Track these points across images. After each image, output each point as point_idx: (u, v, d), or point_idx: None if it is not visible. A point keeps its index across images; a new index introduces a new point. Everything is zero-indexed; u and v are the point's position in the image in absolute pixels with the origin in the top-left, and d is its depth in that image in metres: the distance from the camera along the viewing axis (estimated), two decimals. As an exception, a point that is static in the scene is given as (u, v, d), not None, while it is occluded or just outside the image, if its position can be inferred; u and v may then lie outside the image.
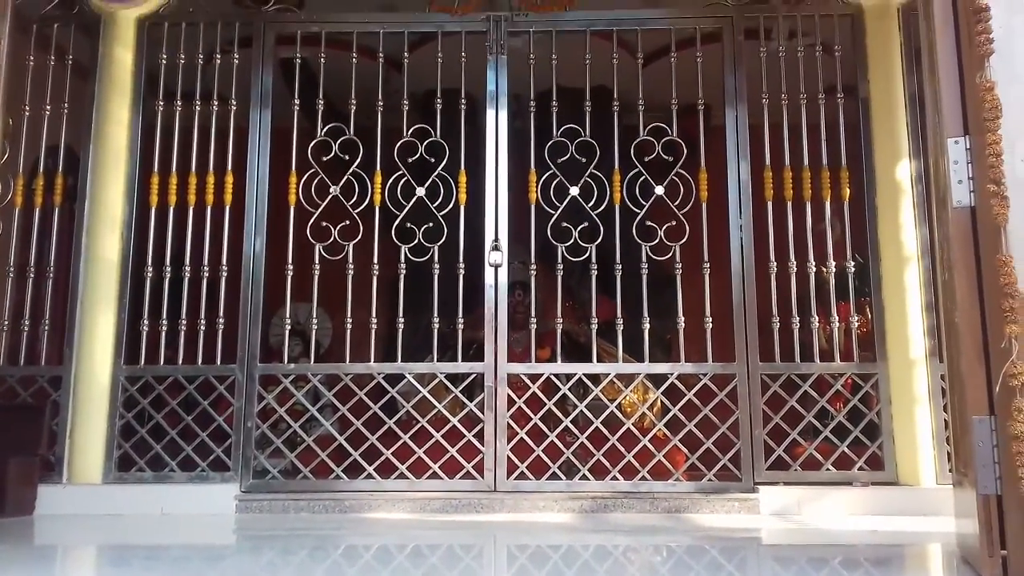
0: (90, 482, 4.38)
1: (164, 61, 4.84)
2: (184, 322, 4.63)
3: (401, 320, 4.59)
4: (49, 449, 4.37)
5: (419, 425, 4.54)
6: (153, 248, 4.69)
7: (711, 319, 4.56)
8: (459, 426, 4.48)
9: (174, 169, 4.75)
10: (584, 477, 4.40)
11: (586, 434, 4.46)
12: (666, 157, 4.71)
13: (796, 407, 4.42)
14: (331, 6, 5.02)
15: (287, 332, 4.68)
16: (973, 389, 2.58)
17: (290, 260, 4.69)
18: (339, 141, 4.76)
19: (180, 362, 4.60)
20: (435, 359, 4.65)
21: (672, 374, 4.53)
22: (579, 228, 4.67)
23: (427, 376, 4.65)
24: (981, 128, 2.60)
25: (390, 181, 4.73)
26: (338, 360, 4.72)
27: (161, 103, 4.82)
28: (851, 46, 4.72)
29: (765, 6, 4.82)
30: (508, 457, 4.39)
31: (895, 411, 4.38)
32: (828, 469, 4.37)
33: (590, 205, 4.69)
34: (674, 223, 4.64)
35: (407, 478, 4.41)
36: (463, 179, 4.72)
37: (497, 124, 4.72)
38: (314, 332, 4.74)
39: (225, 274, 4.67)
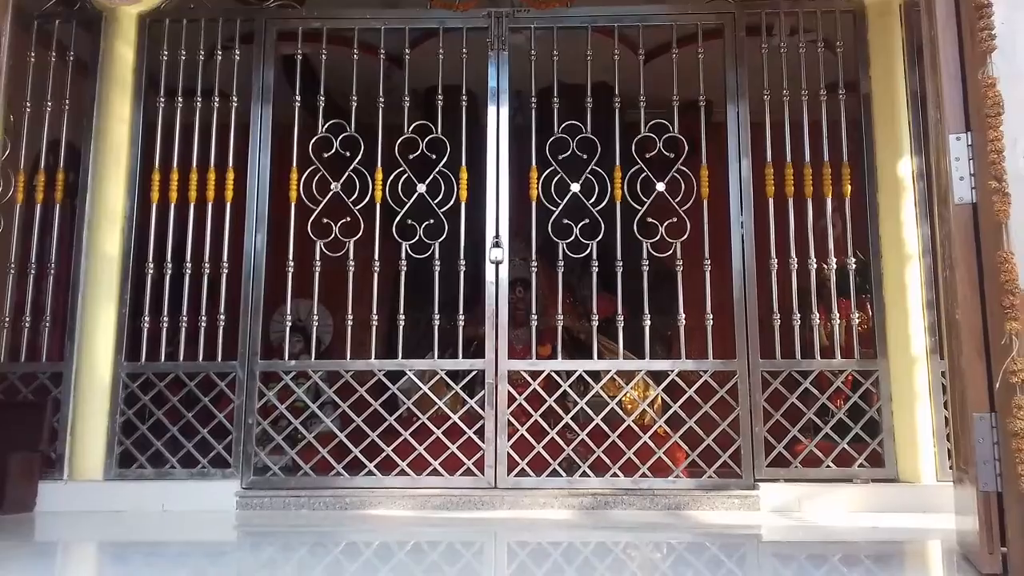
0: (91, 479, 4.38)
1: (165, 57, 4.84)
2: (185, 319, 4.63)
3: (402, 317, 4.59)
4: (50, 445, 4.37)
5: (420, 422, 4.54)
6: (154, 244, 4.69)
7: (712, 316, 4.55)
8: (460, 423, 4.48)
9: (175, 165, 4.75)
10: (584, 474, 4.40)
11: (586, 431, 4.46)
12: (667, 153, 4.71)
13: (797, 404, 4.42)
14: (332, 2, 5.03)
15: (288, 329, 4.69)
16: (974, 386, 2.58)
17: (291, 257, 4.70)
18: (340, 137, 4.76)
19: (181, 359, 4.61)
20: (436, 356, 4.66)
21: (673, 371, 4.53)
22: (580, 225, 4.67)
23: (428, 373, 4.65)
24: (983, 124, 2.60)
25: (391, 178, 4.73)
26: (339, 357, 4.72)
27: (162, 99, 4.82)
28: (853, 42, 4.71)
29: (767, 2, 4.80)
30: (509, 454, 4.39)
31: (896, 408, 4.37)
32: (828, 466, 4.37)
33: (591, 202, 4.69)
34: (675, 220, 4.63)
35: (408, 475, 4.41)
36: (464, 176, 4.71)
37: (498, 120, 4.72)
38: (315, 329, 4.74)
39: (226, 271, 4.67)
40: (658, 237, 4.64)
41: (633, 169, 4.70)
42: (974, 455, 2.55)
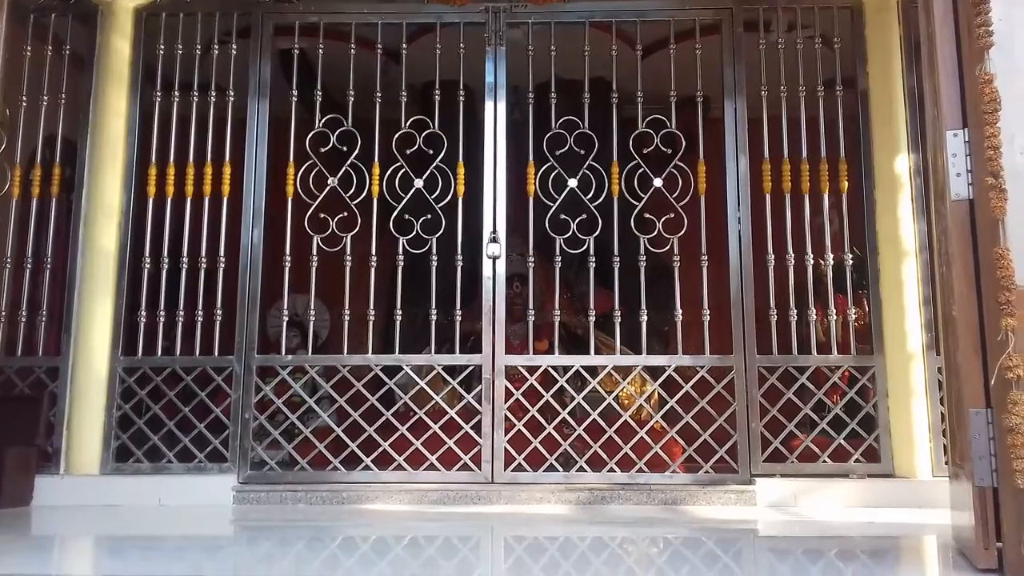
0: (87, 473, 4.38)
1: (162, 51, 4.83)
2: (182, 313, 4.62)
3: (399, 312, 4.59)
4: (46, 440, 4.37)
5: (417, 417, 4.55)
6: (151, 239, 4.68)
7: (709, 311, 4.56)
8: (457, 418, 4.48)
9: (172, 160, 4.74)
10: (581, 469, 4.41)
11: (583, 426, 4.47)
12: (665, 149, 4.71)
13: (793, 399, 4.43)
14: (329, -4, 5.01)
15: (285, 323, 4.68)
16: (970, 382, 2.58)
17: (288, 251, 4.69)
18: (337, 132, 4.76)
19: (178, 353, 4.60)
20: (433, 351, 4.66)
21: (670, 366, 4.54)
22: (577, 220, 4.67)
23: (425, 368, 4.66)
24: (980, 121, 2.60)
25: (388, 173, 4.73)
26: (336, 352, 4.72)
27: (159, 94, 4.81)
28: (850, 39, 4.71)
29: (764, -2, 4.81)
30: (505, 449, 4.40)
31: (892, 404, 4.39)
32: (825, 461, 4.38)
33: (588, 197, 4.69)
34: (672, 215, 4.64)
35: (405, 470, 4.41)
36: (461, 171, 4.71)
37: (495, 116, 4.71)
38: (312, 323, 4.73)
39: (223, 265, 4.67)
40: (655, 233, 4.64)
41: (630, 165, 4.70)
42: (970, 451, 2.55)
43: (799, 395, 4.44)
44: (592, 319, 4.64)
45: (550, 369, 4.60)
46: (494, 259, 4.56)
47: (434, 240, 4.67)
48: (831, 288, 4.60)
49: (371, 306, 4.61)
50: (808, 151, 4.63)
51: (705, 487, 4.31)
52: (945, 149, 2.71)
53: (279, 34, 4.89)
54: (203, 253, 4.66)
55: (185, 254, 4.67)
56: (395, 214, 4.75)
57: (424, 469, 4.41)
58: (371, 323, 4.61)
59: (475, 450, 4.40)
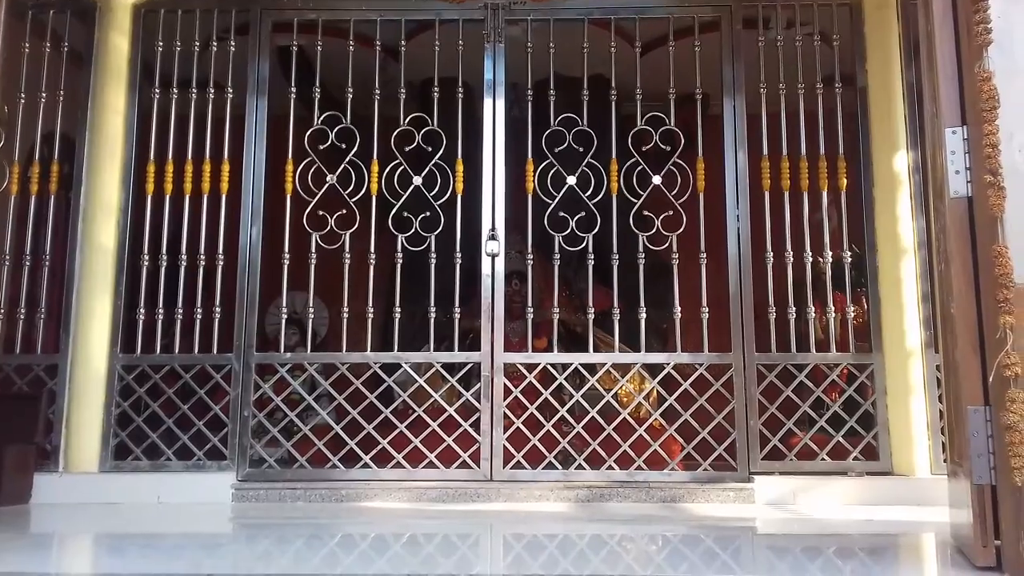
0: (86, 471, 4.38)
1: (160, 48, 4.82)
2: (180, 311, 4.62)
3: (398, 309, 4.59)
4: (45, 437, 4.37)
5: (416, 414, 4.55)
6: (149, 236, 4.68)
7: (708, 309, 4.56)
8: (455, 415, 4.49)
9: (170, 157, 4.74)
10: (580, 467, 4.41)
11: (582, 424, 4.47)
12: (664, 146, 4.70)
13: (792, 397, 4.43)
14: (328, -7, 5.00)
15: (284, 321, 4.68)
16: (968, 379, 2.58)
17: (287, 249, 4.69)
18: (336, 129, 4.75)
19: (176, 351, 4.60)
20: (432, 349, 4.66)
21: (668, 364, 4.54)
22: (576, 218, 4.67)
23: (424, 365, 4.66)
24: (979, 118, 2.60)
25: (387, 170, 4.72)
26: (335, 349, 4.71)
27: (157, 90, 4.81)
28: (849, 36, 4.71)
29: (763, -5, 4.80)
30: (504, 446, 4.40)
31: (890, 401, 4.39)
32: (823, 459, 4.38)
33: (587, 194, 4.68)
34: (671, 213, 4.63)
35: (403, 467, 4.42)
36: (460, 168, 4.71)
37: (494, 113, 4.71)
38: (311, 321, 4.73)
39: (221, 263, 4.66)
40: (654, 230, 4.64)
41: (629, 162, 4.70)
42: (968, 448, 2.55)
43: (798, 393, 4.44)
44: (591, 317, 4.64)
45: (549, 367, 4.60)
46: (493, 257, 4.56)
47: (433, 237, 4.66)
48: (830, 286, 4.60)
49: (370, 304, 4.61)
50: (807, 148, 4.63)
51: (704, 485, 4.31)
52: (944, 147, 2.70)
53: (278, 31, 4.88)
54: (202, 250, 4.65)
55: (184, 251, 4.67)
56: (394, 211, 4.74)
57: (423, 467, 4.41)
58: (370, 321, 4.61)
59: (474, 448, 4.41)
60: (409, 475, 4.40)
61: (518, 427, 4.44)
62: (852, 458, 4.37)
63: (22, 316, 4.59)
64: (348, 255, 4.65)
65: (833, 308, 4.55)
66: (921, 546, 3.33)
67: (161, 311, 4.61)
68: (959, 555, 2.77)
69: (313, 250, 4.66)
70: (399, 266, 4.66)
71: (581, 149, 4.72)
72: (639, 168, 4.70)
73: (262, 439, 4.49)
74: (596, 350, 4.68)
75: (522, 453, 4.41)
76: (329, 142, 4.76)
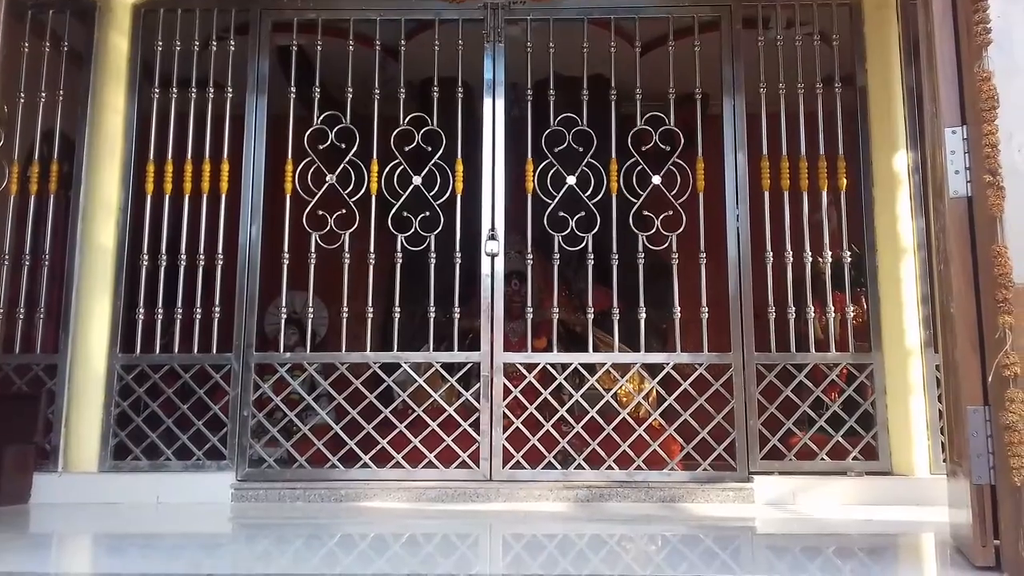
0: (86, 471, 4.38)
1: (160, 48, 4.82)
2: (180, 310, 4.62)
3: (397, 309, 4.59)
4: (44, 437, 4.37)
5: (415, 414, 4.55)
6: (149, 236, 4.68)
7: (707, 309, 4.56)
8: (455, 415, 4.48)
9: (170, 156, 4.73)
10: (580, 466, 4.41)
11: (582, 424, 4.47)
12: (663, 146, 4.70)
13: (791, 397, 4.43)
14: (327, -7, 5.00)
15: (283, 321, 4.67)
16: (968, 379, 2.59)
17: (286, 248, 4.69)
18: (335, 129, 4.75)
19: (176, 351, 4.59)
20: (431, 348, 4.66)
21: (668, 364, 4.54)
22: (576, 217, 4.67)
23: (423, 365, 4.65)
24: (978, 119, 2.60)
25: (386, 170, 4.72)
26: (334, 349, 4.71)
27: (157, 90, 4.80)
28: (849, 36, 4.71)
29: (763, -6, 4.80)
30: (504, 446, 4.40)
31: (890, 401, 4.39)
32: (823, 459, 4.38)
33: (587, 194, 4.68)
34: (671, 213, 4.63)
35: (403, 467, 4.42)
36: (460, 168, 4.70)
37: (494, 113, 4.71)
38: (310, 321, 4.73)
39: (221, 262, 4.66)
40: (654, 230, 4.63)
41: (629, 162, 4.70)
42: (968, 448, 2.56)
43: (797, 393, 4.44)
44: (591, 317, 4.64)
45: (548, 367, 4.60)
46: (493, 256, 4.55)
47: (432, 237, 4.66)
48: (829, 285, 4.60)
49: (370, 303, 4.61)
50: (807, 148, 4.63)
51: (703, 485, 4.31)
52: (944, 146, 2.70)
53: (277, 30, 4.88)
54: (201, 250, 4.65)
55: (183, 251, 4.67)
56: (393, 211, 4.74)
57: (422, 467, 4.41)
58: (369, 320, 4.61)
59: (473, 448, 4.40)
60: (408, 475, 4.40)
61: (517, 427, 4.44)
62: (852, 458, 4.37)
63: (21, 316, 4.59)
64: (348, 255, 4.65)
65: (833, 308, 4.55)
66: (920, 546, 3.33)
67: (160, 311, 4.61)
68: (958, 555, 2.78)
69: (313, 250, 4.66)
70: (399, 266, 4.66)
71: (581, 149, 4.72)
72: (639, 168, 4.70)
73: (261, 439, 4.49)
74: (596, 350, 4.68)
75: (521, 453, 4.40)
76: (329, 142, 4.75)
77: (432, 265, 4.65)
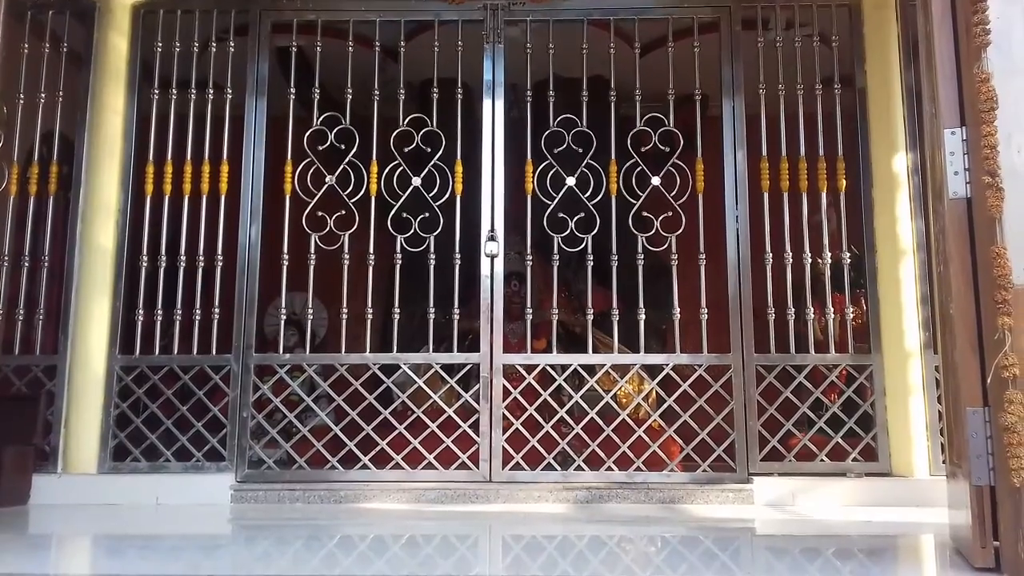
0: (85, 472, 4.38)
1: (159, 49, 4.82)
2: (179, 312, 4.62)
3: (397, 310, 4.59)
4: (44, 439, 4.37)
5: (414, 416, 4.55)
6: (148, 237, 4.68)
7: (707, 310, 4.56)
8: (455, 417, 4.48)
9: (169, 157, 4.74)
10: (579, 468, 4.41)
11: (581, 425, 4.47)
12: (663, 147, 4.70)
13: (791, 398, 4.43)
14: (327, -6, 5.01)
15: (283, 322, 4.67)
16: (967, 380, 2.58)
17: (286, 250, 4.69)
18: (335, 130, 4.75)
19: (175, 352, 4.59)
20: (431, 350, 4.66)
21: (667, 365, 4.54)
22: (575, 219, 4.67)
23: (423, 367, 4.65)
24: (977, 119, 2.60)
25: (386, 171, 4.72)
26: (334, 350, 4.71)
27: (156, 91, 4.81)
28: (848, 37, 4.71)
29: (763, -4, 4.80)
30: (503, 448, 4.40)
31: (889, 402, 4.39)
32: (822, 460, 4.38)
33: (587, 195, 4.68)
34: (670, 214, 4.63)
35: (402, 468, 4.42)
36: (459, 169, 4.70)
37: (494, 114, 4.71)
38: (310, 322, 4.73)
39: (220, 263, 4.66)
40: (653, 231, 4.63)
41: (629, 163, 4.70)
42: (967, 449, 2.55)
43: (797, 394, 4.44)
44: (590, 318, 4.64)
45: (548, 368, 4.60)
46: (492, 257, 4.55)
47: (432, 238, 4.66)
48: (829, 287, 4.60)
49: (369, 305, 4.60)
50: (806, 149, 4.63)
51: (703, 486, 4.31)
52: (943, 147, 2.70)
53: (277, 32, 4.88)
54: (201, 251, 4.65)
55: (183, 252, 4.67)
56: (393, 212, 4.74)
57: (422, 468, 4.41)
58: (369, 322, 4.61)
59: (473, 449, 4.40)
60: (408, 476, 4.40)
61: (517, 428, 4.44)
62: (851, 459, 4.37)
63: (21, 317, 4.59)
64: (347, 256, 4.65)
65: (832, 309, 4.55)
66: (920, 547, 3.33)
67: (160, 312, 4.61)
68: (958, 556, 2.77)
69: (312, 251, 4.66)
70: (398, 267, 4.66)
71: (580, 150, 4.72)
72: (638, 169, 4.70)
73: (261, 440, 4.49)
74: (595, 351, 4.67)
75: (521, 454, 4.40)
76: (328, 143, 4.75)
77: (432, 266, 4.66)
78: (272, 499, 4.28)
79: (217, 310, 4.58)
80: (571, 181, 4.70)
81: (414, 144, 4.74)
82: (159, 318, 4.62)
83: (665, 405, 4.53)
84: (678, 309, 4.58)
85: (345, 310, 4.60)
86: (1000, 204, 2.53)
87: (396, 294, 4.61)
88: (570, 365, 4.56)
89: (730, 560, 3.00)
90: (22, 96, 4.71)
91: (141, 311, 4.58)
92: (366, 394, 4.55)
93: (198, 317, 4.59)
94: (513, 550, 3.25)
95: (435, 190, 4.69)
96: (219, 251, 4.67)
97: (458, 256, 4.66)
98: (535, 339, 4.71)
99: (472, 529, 3.65)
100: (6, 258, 4.62)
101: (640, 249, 4.62)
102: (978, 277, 2.60)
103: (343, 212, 4.67)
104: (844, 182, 4.60)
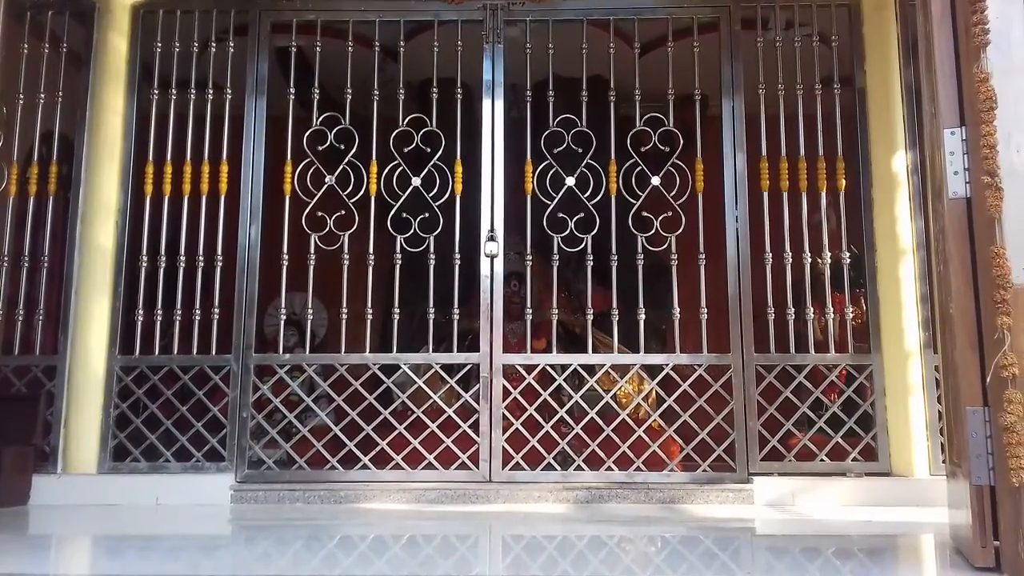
0: (85, 472, 4.38)
1: (159, 49, 4.82)
2: (179, 312, 4.62)
3: (397, 310, 4.58)
4: (44, 439, 4.37)
5: (414, 416, 4.55)
6: (148, 237, 4.67)
7: (706, 310, 4.55)
8: (454, 417, 4.48)
9: (169, 158, 4.74)
10: (579, 468, 4.41)
11: (581, 425, 4.47)
12: (662, 147, 4.70)
13: (791, 398, 4.43)
14: (326, -6, 5.01)
15: (282, 322, 4.67)
16: (967, 380, 2.58)
17: (285, 250, 4.68)
18: (335, 130, 4.75)
19: (175, 352, 4.59)
20: (431, 350, 4.66)
21: (667, 365, 4.54)
22: (575, 219, 4.67)
23: (423, 367, 4.66)
24: (976, 119, 2.60)
25: (386, 171, 4.72)
26: (334, 350, 4.71)
27: (156, 91, 4.81)
28: (848, 36, 4.71)
29: (762, -5, 4.80)
30: (503, 448, 4.40)
31: (889, 402, 4.39)
32: (822, 460, 4.38)
33: (586, 195, 4.68)
34: (670, 214, 4.63)
35: (402, 468, 4.42)
36: (459, 169, 4.70)
37: (493, 114, 4.71)
38: (309, 322, 4.73)
39: (220, 264, 4.66)
40: (653, 231, 4.63)
41: (628, 163, 4.70)
42: (967, 449, 2.55)
43: (797, 394, 4.44)
44: (590, 318, 4.64)
45: (548, 368, 4.60)
46: (492, 257, 4.55)
47: (432, 238, 4.66)
48: (829, 286, 4.60)
49: (369, 305, 4.60)
50: (806, 149, 4.63)
51: (703, 486, 4.31)
52: (942, 147, 2.70)
53: (276, 32, 4.88)
54: (200, 251, 4.65)
55: (182, 252, 4.67)
56: (393, 212, 4.74)
57: (422, 468, 4.41)
58: (369, 322, 4.61)
59: (473, 449, 4.40)
60: (408, 476, 4.39)
61: (517, 428, 4.44)
62: (851, 459, 4.37)
63: (20, 317, 4.59)
64: (347, 256, 4.65)
65: (832, 309, 4.55)
66: (920, 547, 3.33)
67: (160, 312, 4.61)
68: (958, 556, 2.77)
69: (312, 251, 4.66)
70: (398, 267, 4.66)
71: (580, 150, 4.72)
72: (638, 169, 4.70)
73: (261, 440, 4.49)
74: (595, 351, 4.67)
75: (521, 454, 4.40)
76: (328, 143, 4.75)
77: (431, 266, 4.65)
78: (272, 499, 4.28)
79: (217, 310, 4.58)
80: (571, 181, 4.70)
81: (414, 144, 4.74)
82: (159, 318, 4.62)
83: (665, 405, 4.53)
84: (678, 309, 4.58)
85: (345, 310, 4.60)
86: (999, 204, 2.53)
87: (396, 294, 4.61)
88: (570, 365, 4.56)
89: (730, 560, 3.00)
90: (22, 96, 4.72)
91: (141, 311, 4.58)
92: (366, 394, 4.55)
93: (198, 317, 4.59)
94: (513, 550, 3.25)
95: (435, 190, 4.69)
96: (219, 251, 4.67)
97: (458, 256, 4.66)
98: (535, 339, 4.71)
99: (472, 529, 3.65)
100: (6, 258, 4.62)
101: (640, 249, 4.62)
102: (978, 277, 2.60)
103: (343, 212, 4.67)
104: (844, 182, 4.60)
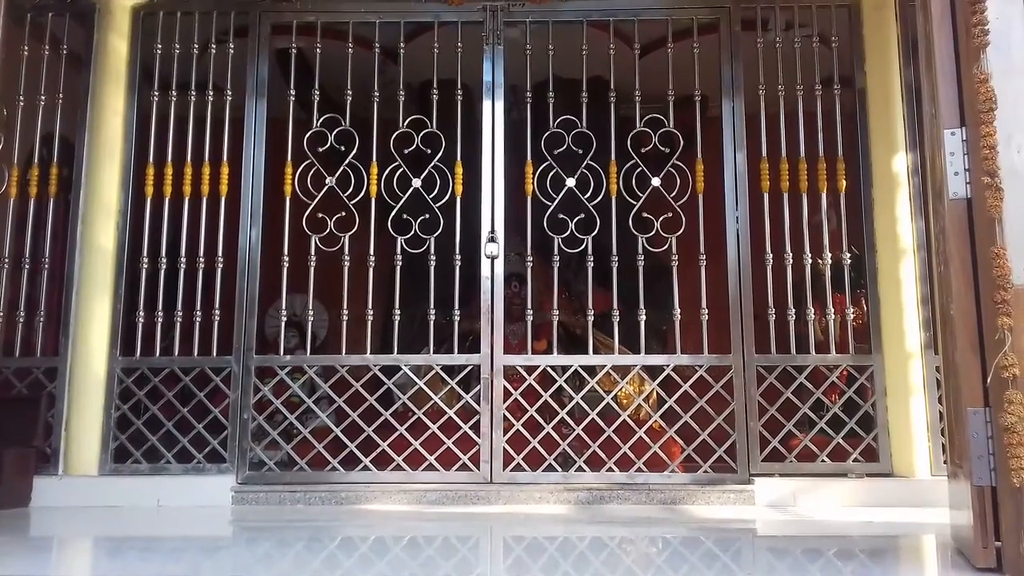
0: (86, 474, 4.37)
1: (159, 51, 4.82)
2: (180, 313, 4.62)
3: (397, 312, 4.59)
4: (45, 441, 4.37)
5: (415, 417, 4.55)
6: (149, 238, 4.68)
7: (707, 311, 4.55)
8: (455, 418, 4.48)
9: (169, 159, 4.74)
10: (580, 469, 4.41)
11: (582, 426, 4.47)
12: (663, 148, 4.70)
13: (792, 399, 4.42)
14: (326, -5, 5.01)
15: (283, 324, 4.67)
16: (968, 381, 2.58)
17: (286, 251, 4.69)
18: (335, 132, 4.75)
19: (176, 354, 4.59)
20: (431, 351, 4.66)
21: (668, 366, 4.54)
22: (575, 220, 4.67)
23: (423, 368, 4.66)
24: (977, 120, 2.60)
25: (386, 172, 4.72)
26: (334, 352, 4.71)
27: (156, 93, 4.81)
28: (848, 37, 4.71)
29: (762, -3, 4.80)
30: (504, 449, 4.39)
31: (890, 403, 4.39)
32: (823, 461, 4.38)
33: (587, 196, 4.68)
34: (670, 215, 4.63)
35: (403, 470, 4.41)
36: (459, 170, 4.71)
37: (493, 115, 4.71)
38: (310, 324, 4.73)
39: (221, 265, 4.66)
40: (653, 232, 4.63)
41: (628, 164, 4.70)
42: (968, 450, 2.55)
43: (797, 394, 4.44)
44: (591, 319, 4.64)
45: (548, 369, 4.60)
46: (492, 259, 4.55)
47: (432, 240, 4.66)
48: (829, 287, 4.60)
49: (369, 306, 4.60)
50: (806, 150, 4.63)
51: (704, 487, 4.31)
52: (943, 148, 2.70)
53: (277, 33, 4.88)
54: (201, 253, 4.65)
55: (183, 254, 4.67)
56: (393, 214, 4.74)
57: (423, 469, 4.41)
58: (369, 323, 4.61)
59: (474, 450, 4.40)
60: (409, 477, 4.39)
61: (518, 429, 4.44)
62: (852, 459, 4.36)
63: (21, 319, 4.59)
64: (347, 257, 4.65)
65: (833, 309, 4.55)
66: (921, 547, 3.33)
67: (160, 314, 4.61)
68: (959, 556, 2.77)
69: (313, 252, 4.66)
70: (398, 268, 4.66)
71: (580, 151, 4.72)
72: (638, 170, 4.70)
73: (262, 442, 4.49)
74: (596, 352, 4.67)
75: (522, 455, 4.40)
76: (328, 144, 4.75)
77: (432, 267, 4.65)
78: (273, 501, 4.28)
79: (217, 312, 4.58)
80: (571, 182, 4.70)
81: (414, 145, 4.74)
82: (160, 320, 4.62)
83: (666, 406, 4.53)
84: (678, 310, 4.58)
85: (346, 311, 4.60)
86: (1000, 204, 2.53)
87: (396, 295, 4.61)
88: (571, 366, 4.56)
89: (731, 561, 3.00)
90: (22, 98, 4.72)
91: (142, 313, 4.59)
92: (367, 395, 4.55)
93: (199, 319, 4.59)
94: (514, 551, 3.25)
95: (435, 191, 4.70)
96: (219, 253, 4.67)
97: (458, 257, 4.66)
98: (536, 340, 4.71)
99: (473, 530, 3.65)
100: (7, 260, 4.63)
101: (640, 250, 4.62)
102: (978, 277, 2.60)
103: (343, 213, 4.67)
104: (844, 182, 4.60)
